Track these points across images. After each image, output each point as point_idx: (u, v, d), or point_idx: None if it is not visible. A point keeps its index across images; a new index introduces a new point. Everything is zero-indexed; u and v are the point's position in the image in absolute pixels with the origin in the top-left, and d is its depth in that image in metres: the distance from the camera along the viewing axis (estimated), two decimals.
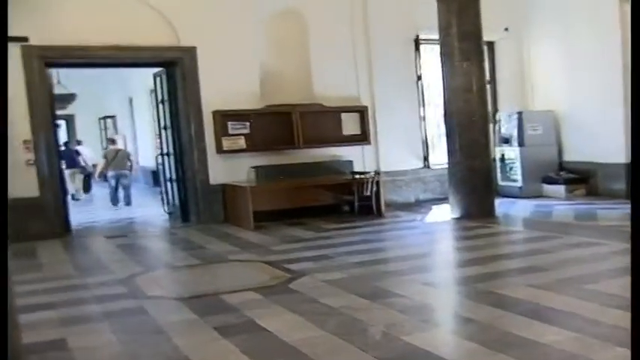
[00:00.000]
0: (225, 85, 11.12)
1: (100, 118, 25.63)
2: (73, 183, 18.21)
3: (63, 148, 18.77)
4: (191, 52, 10.97)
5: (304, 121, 11.65)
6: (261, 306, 5.55)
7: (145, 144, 20.78)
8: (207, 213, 11.14)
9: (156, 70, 11.93)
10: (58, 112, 22.19)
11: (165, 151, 12.05)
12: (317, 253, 7.87)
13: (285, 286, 6.24)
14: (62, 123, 26.65)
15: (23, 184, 10.09)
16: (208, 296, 6.02)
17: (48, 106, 10.49)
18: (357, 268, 6.91)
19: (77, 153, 19.14)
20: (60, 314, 5.63)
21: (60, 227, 10.43)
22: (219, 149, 11.14)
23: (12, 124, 9.98)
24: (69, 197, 17.55)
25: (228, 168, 11.25)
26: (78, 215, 13.61)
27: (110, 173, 15.74)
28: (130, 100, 22.03)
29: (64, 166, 16.73)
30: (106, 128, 25.29)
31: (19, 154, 10.10)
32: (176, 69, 11.18)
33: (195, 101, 11.05)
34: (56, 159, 10.71)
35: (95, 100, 24.14)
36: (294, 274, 6.69)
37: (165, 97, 11.67)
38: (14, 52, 9.99)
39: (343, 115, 12.12)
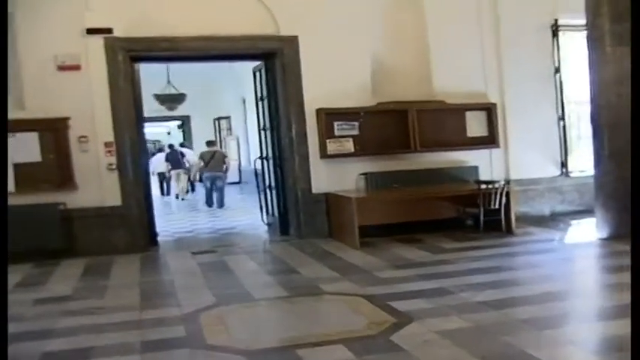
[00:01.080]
0: (331, 79, 9.65)
1: (214, 119, 25.00)
2: (178, 183, 19.34)
3: (168, 150, 20.64)
4: (292, 42, 9.55)
5: (422, 121, 9.96)
6: None
7: (256, 146, 19.74)
8: (308, 226, 9.69)
9: (256, 64, 10.62)
10: (171, 114, 22.31)
11: (264, 154, 10.70)
12: (432, 285, 6.20)
13: (386, 338, 4.63)
14: (178, 123, 26.61)
15: (104, 191, 9.03)
16: (282, 350, 4.53)
17: (133, 105, 9.34)
18: (482, 311, 5.21)
19: (182, 155, 19.72)
20: None
21: (144, 239, 9.25)
22: (324, 153, 9.66)
23: (93, 125, 8.99)
24: (173, 196, 19.38)
25: (334, 175, 9.75)
26: (173, 223, 12.69)
27: (206, 175, 15.81)
28: (244, 100, 21.05)
29: (169, 167, 18.77)
30: (220, 129, 24.68)
31: (100, 158, 9.04)
32: (275, 61, 9.80)
33: (297, 98, 9.63)
34: (142, 163, 9.58)
35: (210, 100, 23.75)
36: (400, 318, 5.08)
37: (265, 94, 10.33)
38: (97, 44, 8.98)
39: (468, 114, 10.34)
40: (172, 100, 18.92)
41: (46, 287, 7.20)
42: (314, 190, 9.71)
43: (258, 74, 10.55)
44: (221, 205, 15.63)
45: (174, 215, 14.74)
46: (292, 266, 7.68)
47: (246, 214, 13.21)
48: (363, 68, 9.88)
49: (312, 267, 7.56)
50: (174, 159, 19.16)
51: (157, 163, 19.71)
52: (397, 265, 7.42)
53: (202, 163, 15.95)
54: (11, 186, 8.68)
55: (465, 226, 9.77)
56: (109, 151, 9.03)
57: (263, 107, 10.50)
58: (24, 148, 8.77)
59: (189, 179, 19.40)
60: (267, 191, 10.75)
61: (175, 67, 17.53)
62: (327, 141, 9.65)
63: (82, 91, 8.90)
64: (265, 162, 10.68)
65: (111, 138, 9.03)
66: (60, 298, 6.53)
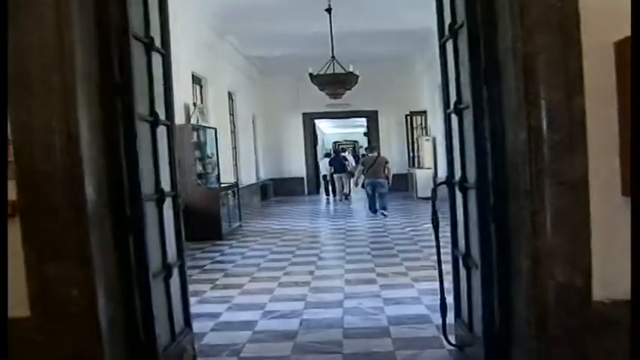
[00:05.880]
0: None
1: (406, 115, 20.54)
2: (340, 186, 20.24)
3: (333, 155, 22.71)
4: None
5: None
6: None
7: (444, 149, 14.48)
8: None
9: None
10: (354, 108, 20.26)
11: (458, 174, 4.14)
12: None
13: None
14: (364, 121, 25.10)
15: None
16: None
17: (93, 44, 3.35)
18: None
19: (345, 159, 20.78)
20: None
21: None
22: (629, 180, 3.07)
23: None
24: (338, 197, 20.35)
25: None
26: (293, 272, 7.84)
27: (366, 181, 15.49)
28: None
29: (332, 171, 20.46)
30: (412, 127, 20.46)
31: None
32: None
33: (552, 14, 3.10)
34: (104, 198, 3.41)
35: (402, 92, 20.12)
36: None
37: (460, 20, 3.80)
38: None
39: None
40: (335, 82, 13.01)
41: None
42: (597, 294, 3.05)
43: None
44: (383, 208, 14.93)
45: (302, 251, 9.97)
46: None
47: (420, 276, 6.86)
48: None
49: None
50: (339, 163, 20.47)
51: (323, 167, 21.48)
52: None
53: (362, 169, 15.63)
54: None
55: None
56: None
57: (456, 54, 4.00)
58: None
59: (355, 183, 18.04)
60: (463, 271, 4.19)
61: (353, 48, 13.47)
62: None
63: None
64: (460, 195, 4.17)
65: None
66: None
